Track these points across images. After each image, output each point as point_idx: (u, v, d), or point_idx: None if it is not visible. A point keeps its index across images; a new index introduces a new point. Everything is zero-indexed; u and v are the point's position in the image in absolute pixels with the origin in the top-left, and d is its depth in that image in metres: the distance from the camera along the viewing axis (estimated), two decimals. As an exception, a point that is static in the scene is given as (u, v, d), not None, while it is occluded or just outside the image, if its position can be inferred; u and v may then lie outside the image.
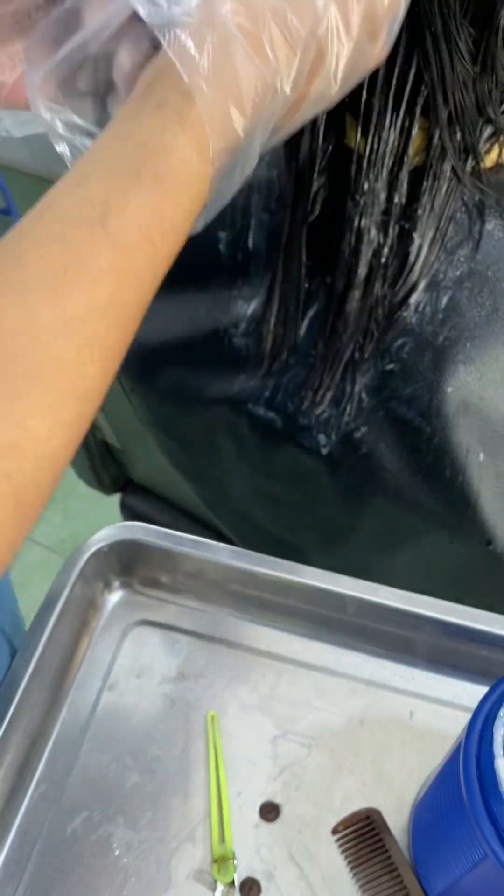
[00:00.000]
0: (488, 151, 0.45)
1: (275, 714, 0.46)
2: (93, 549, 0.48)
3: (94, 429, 0.93)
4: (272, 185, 0.50)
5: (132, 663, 0.48)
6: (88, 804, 0.43)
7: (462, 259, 0.46)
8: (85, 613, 0.48)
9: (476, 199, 0.45)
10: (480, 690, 0.47)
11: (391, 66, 0.39)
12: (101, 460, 0.99)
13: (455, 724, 0.46)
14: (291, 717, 0.46)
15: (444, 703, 0.47)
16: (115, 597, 0.50)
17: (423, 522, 0.53)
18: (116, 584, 0.50)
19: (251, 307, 0.52)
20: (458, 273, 0.46)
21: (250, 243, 0.51)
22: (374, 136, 0.41)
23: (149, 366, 0.61)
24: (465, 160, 0.43)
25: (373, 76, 0.40)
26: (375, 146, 0.42)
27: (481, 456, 0.49)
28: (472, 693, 0.47)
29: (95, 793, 0.44)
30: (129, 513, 1.07)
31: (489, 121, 0.42)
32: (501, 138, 0.45)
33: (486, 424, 0.48)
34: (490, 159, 0.46)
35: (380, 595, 0.47)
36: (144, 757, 0.45)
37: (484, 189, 0.44)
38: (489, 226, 0.46)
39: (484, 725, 0.32)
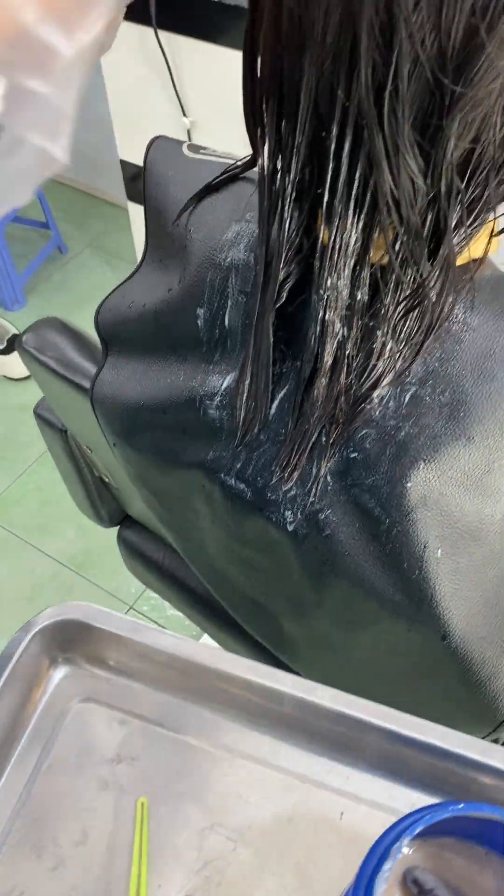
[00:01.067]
0: (459, 252, 0.45)
1: (205, 804, 0.47)
2: (39, 627, 0.49)
3: (91, 466, 0.95)
4: (248, 269, 0.51)
5: (72, 741, 0.49)
6: (12, 883, 0.44)
7: (426, 357, 0.46)
8: (29, 689, 0.49)
9: (440, 301, 0.45)
10: (415, 796, 0.47)
11: (352, 172, 0.39)
12: (98, 495, 1.00)
13: (384, 828, 0.46)
14: (221, 808, 0.47)
15: (376, 806, 0.47)
16: (60, 673, 0.51)
17: (381, 609, 0.53)
18: (62, 661, 0.51)
19: (226, 381, 0.53)
20: (421, 370, 0.46)
21: (227, 322, 0.52)
22: (335, 236, 0.42)
23: (129, 424, 0.62)
24: (422, 269, 0.43)
25: (334, 180, 0.40)
26: (338, 245, 0.42)
27: (439, 552, 0.48)
28: (407, 798, 0.47)
29: (19, 874, 0.44)
30: (126, 546, 1.08)
31: (439, 237, 0.41)
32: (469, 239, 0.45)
33: (446, 521, 0.47)
34: (462, 257, 0.45)
35: (316, 695, 0.47)
36: (70, 840, 0.45)
37: (439, 296, 0.44)
38: (452, 326, 0.46)
39: (370, 879, 0.32)
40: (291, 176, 0.42)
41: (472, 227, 0.43)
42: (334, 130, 0.38)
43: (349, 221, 0.41)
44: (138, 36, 1.37)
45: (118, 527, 1.08)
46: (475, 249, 0.46)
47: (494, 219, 0.43)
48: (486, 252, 0.47)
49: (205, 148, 0.60)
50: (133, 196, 1.84)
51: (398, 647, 0.57)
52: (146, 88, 1.47)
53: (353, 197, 0.40)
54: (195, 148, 0.60)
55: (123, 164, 1.77)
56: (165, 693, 0.50)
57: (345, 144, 0.39)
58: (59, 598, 1.59)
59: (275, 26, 0.37)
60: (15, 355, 1.94)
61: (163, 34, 1.32)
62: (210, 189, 0.54)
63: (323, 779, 0.48)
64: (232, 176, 0.54)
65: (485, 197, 0.41)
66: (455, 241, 0.43)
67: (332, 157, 0.39)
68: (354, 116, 0.37)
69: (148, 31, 1.32)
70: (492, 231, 0.45)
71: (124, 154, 1.74)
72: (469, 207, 0.42)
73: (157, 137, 0.61)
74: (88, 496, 1.00)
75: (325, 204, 0.41)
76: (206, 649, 0.48)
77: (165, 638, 0.48)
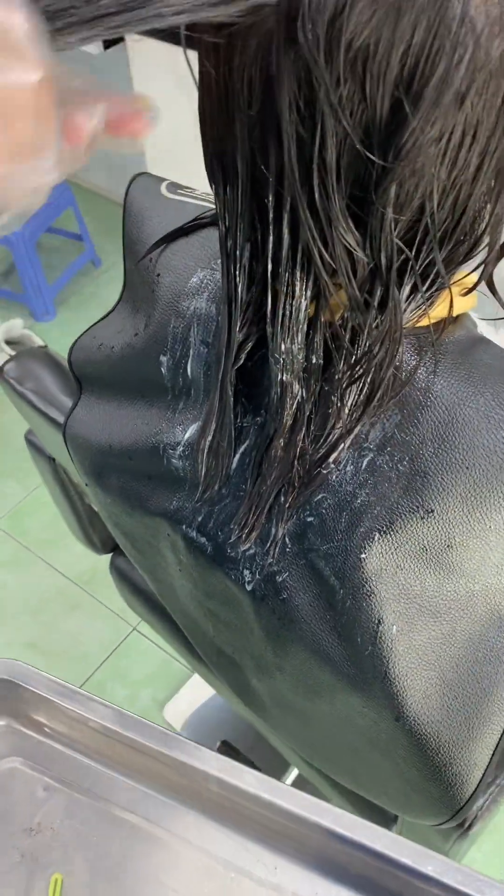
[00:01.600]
0: (423, 315, 0.42)
1: (120, 885, 0.44)
2: (-33, 684, 0.47)
3: (81, 494, 0.93)
4: (210, 319, 0.49)
5: (-7, 804, 0.47)
6: None
7: (385, 423, 0.43)
8: (-48, 747, 0.48)
9: (382, 371, 0.42)
10: (344, 893, 0.44)
11: (294, 241, 0.37)
12: (90, 523, 0.99)
13: (307, 930, 0.43)
14: (138, 891, 0.44)
15: (302, 902, 0.44)
16: (-14, 732, 0.49)
17: (337, 681, 0.51)
18: (-11, 719, 0.49)
19: (188, 432, 0.51)
20: (380, 436, 0.44)
21: (189, 371, 0.50)
22: (285, 303, 0.40)
23: (100, 466, 0.60)
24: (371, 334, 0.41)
25: (276, 249, 0.38)
26: (288, 312, 0.40)
27: (394, 629, 0.46)
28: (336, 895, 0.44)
29: None
30: (118, 574, 1.07)
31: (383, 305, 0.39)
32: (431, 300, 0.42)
33: (404, 595, 0.45)
34: (423, 321, 0.43)
35: (243, 780, 0.44)
36: (-24, 916, 0.44)
37: (378, 367, 0.41)
38: (414, 391, 0.43)
39: None
40: (240, 241, 0.41)
41: (430, 292, 0.41)
42: (271, 200, 0.37)
43: (297, 288, 0.39)
44: (168, 53, 1.37)
45: (111, 554, 1.06)
46: (440, 311, 0.44)
47: (449, 286, 0.41)
48: (449, 314, 0.44)
49: (184, 188, 0.59)
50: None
51: (354, 720, 0.54)
52: (176, 103, 1.47)
53: (298, 265, 0.38)
54: (174, 188, 0.59)
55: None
56: (94, 761, 0.48)
57: (283, 214, 0.37)
58: (64, 613, 1.58)
59: (208, 92, 0.36)
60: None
61: (192, 53, 1.32)
62: (179, 233, 0.53)
63: (250, 867, 0.45)
64: (202, 223, 0.52)
65: (437, 265, 0.38)
66: (412, 306, 0.41)
67: (271, 226, 0.38)
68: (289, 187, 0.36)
69: (177, 49, 1.32)
70: (451, 298, 0.42)
71: (153, 168, 1.75)
72: (423, 274, 0.39)
73: (139, 174, 0.60)
74: (80, 524, 0.99)
75: (269, 272, 0.39)
76: (136, 720, 0.46)
77: (95, 705, 0.46)
